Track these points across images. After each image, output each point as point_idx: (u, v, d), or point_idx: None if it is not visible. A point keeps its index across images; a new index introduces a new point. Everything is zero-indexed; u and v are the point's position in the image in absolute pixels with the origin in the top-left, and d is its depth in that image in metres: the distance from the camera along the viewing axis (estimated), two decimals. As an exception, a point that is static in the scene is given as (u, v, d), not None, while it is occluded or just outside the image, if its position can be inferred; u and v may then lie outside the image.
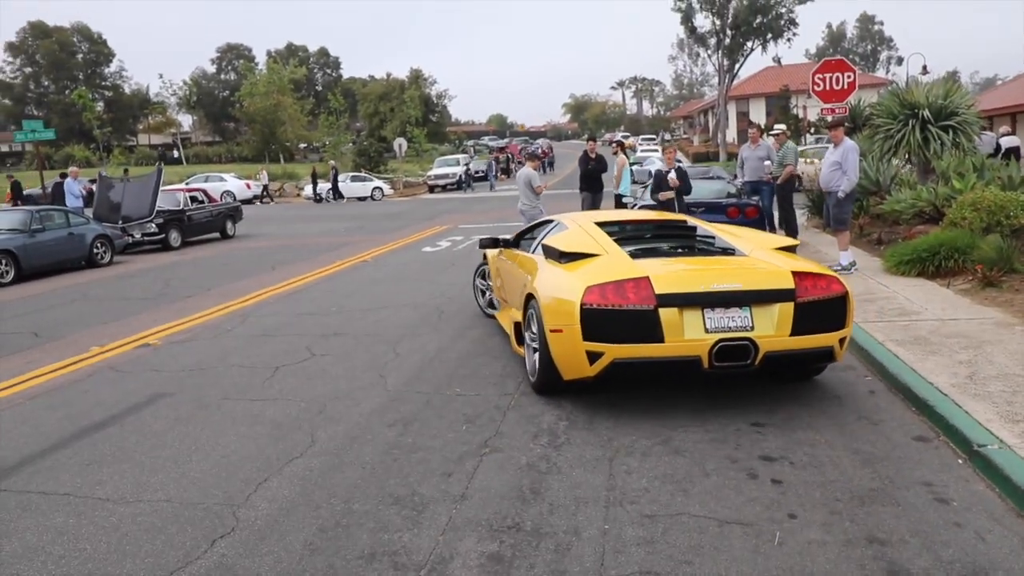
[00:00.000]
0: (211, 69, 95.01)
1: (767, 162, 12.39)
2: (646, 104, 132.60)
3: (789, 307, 4.94)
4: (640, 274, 5.04)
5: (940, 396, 4.89)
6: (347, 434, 4.98)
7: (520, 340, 6.34)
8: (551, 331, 5.24)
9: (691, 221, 6.99)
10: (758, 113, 56.95)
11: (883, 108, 13.12)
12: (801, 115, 41.05)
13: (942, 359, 5.66)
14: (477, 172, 44.39)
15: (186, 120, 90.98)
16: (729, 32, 48.01)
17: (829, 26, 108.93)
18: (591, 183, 14.17)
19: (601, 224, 6.48)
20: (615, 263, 5.39)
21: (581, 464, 4.34)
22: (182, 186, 26.57)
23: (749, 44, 48.77)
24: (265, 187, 38.80)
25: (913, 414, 4.93)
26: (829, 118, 14.29)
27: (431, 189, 41.11)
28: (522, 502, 3.89)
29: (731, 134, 55.77)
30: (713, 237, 6.29)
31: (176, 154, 67.33)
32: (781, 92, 47.51)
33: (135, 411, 5.68)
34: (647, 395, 5.48)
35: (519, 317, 6.31)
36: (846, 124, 11.65)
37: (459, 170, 41.85)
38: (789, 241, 6.29)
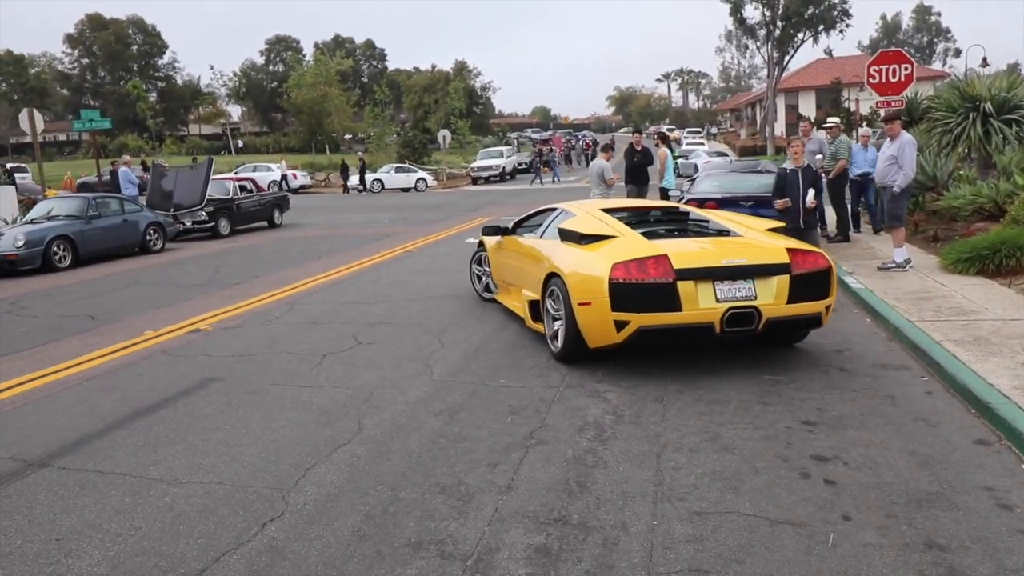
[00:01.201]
0: (260, 61, 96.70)
1: (818, 156, 12.10)
2: (692, 97, 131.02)
3: (785, 279, 5.66)
4: (659, 252, 5.67)
5: (1002, 398, 4.73)
6: (393, 422, 5.01)
7: (535, 316, 6.93)
8: (579, 304, 5.80)
9: (683, 207, 7.83)
10: (808, 106, 55.77)
11: (942, 101, 12.72)
12: (853, 108, 40.09)
13: (1004, 360, 5.47)
14: (521, 164, 44.43)
15: (235, 111, 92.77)
16: (779, 23, 46.93)
17: (884, 17, 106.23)
18: (636, 176, 14.03)
19: (606, 211, 7.12)
20: (634, 243, 5.99)
21: (628, 459, 4.29)
22: (231, 175, 27.05)
23: (800, 36, 47.59)
24: (284, 176, 38.52)
25: (973, 416, 4.77)
26: (882, 111, 13.92)
27: (474, 181, 41.16)
28: (568, 495, 3.86)
29: (779, 127, 54.73)
30: (707, 220, 7.02)
31: (240, 144, 69.54)
32: (832, 85, 46.38)
33: (187, 395, 5.80)
34: (694, 391, 5.41)
35: (534, 296, 6.89)
36: (902, 117, 11.32)
37: (503, 162, 41.82)
38: (775, 223, 6.96)
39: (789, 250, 5.82)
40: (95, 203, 15.16)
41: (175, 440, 4.85)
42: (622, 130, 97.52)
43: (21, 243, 13.13)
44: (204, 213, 18.17)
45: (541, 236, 7.40)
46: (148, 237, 15.93)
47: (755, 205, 10.32)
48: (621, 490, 3.90)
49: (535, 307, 6.91)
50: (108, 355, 7.16)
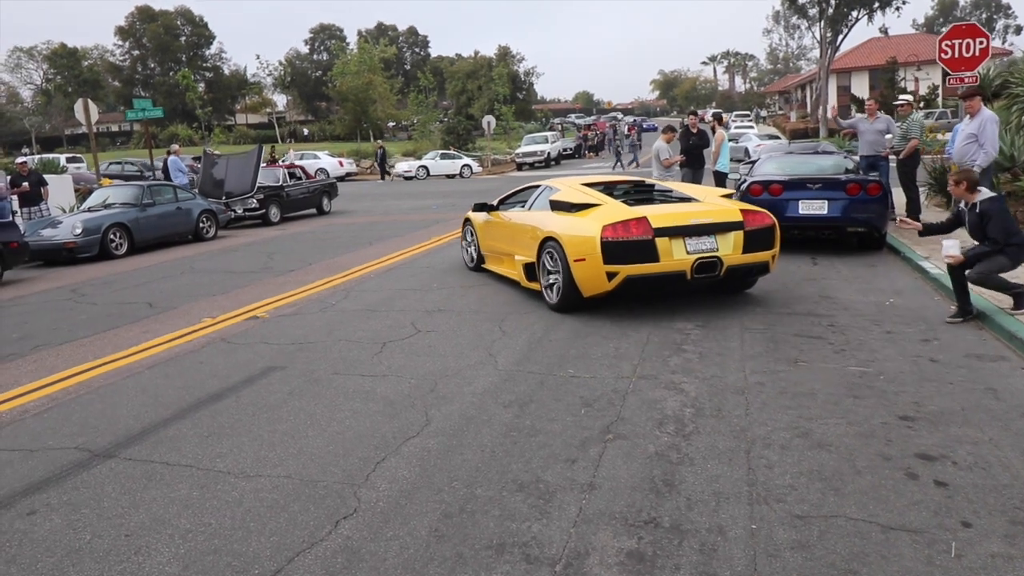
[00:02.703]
0: (304, 50, 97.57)
1: (888, 135, 11.56)
2: (739, 79, 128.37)
3: (740, 234, 6.89)
4: (639, 215, 6.81)
5: (1123, 394, 4.34)
6: (462, 414, 4.82)
7: (530, 277, 8.01)
8: (575, 261, 6.89)
9: (648, 180, 9.22)
10: (861, 87, 54.07)
11: (1022, 76, 12.02)
12: (911, 88, 38.66)
13: (1117, 352, 5.05)
14: (566, 149, 44.08)
15: (281, 100, 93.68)
16: (832, 1, 45.39)
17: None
18: (692, 159, 13.64)
19: (587, 184, 8.27)
20: (617, 209, 7.11)
21: (715, 455, 4.03)
22: (281, 163, 27.19)
23: (854, 14, 45.96)
24: (291, 165, 37.89)
25: (1090, 413, 4.39)
26: (960, 88, 13.20)
27: (519, 167, 40.84)
28: (656, 495, 3.62)
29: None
30: (671, 191, 8.35)
31: (306, 132, 70.36)
32: (888, 65, 44.80)
33: (249, 383, 5.69)
34: (776, 382, 5.11)
35: (528, 259, 7.89)
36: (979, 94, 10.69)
37: (547, 147, 41.39)
38: (728, 191, 8.34)
39: (742, 210, 7.08)
40: (149, 191, 15.29)
41: (240, 431, 4.73)
42: (672, 114, 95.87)
43: (79, 231, 13.29)
44: (255, 200, 18.25)
45: (529, 209, 8.51)
46: (201, 224, 16.04)
47: (823, 187, 9.88)
48: (712, 490, 3.64)
49: (530, 269, 7.96)
50: (168, 343, 7.12)
